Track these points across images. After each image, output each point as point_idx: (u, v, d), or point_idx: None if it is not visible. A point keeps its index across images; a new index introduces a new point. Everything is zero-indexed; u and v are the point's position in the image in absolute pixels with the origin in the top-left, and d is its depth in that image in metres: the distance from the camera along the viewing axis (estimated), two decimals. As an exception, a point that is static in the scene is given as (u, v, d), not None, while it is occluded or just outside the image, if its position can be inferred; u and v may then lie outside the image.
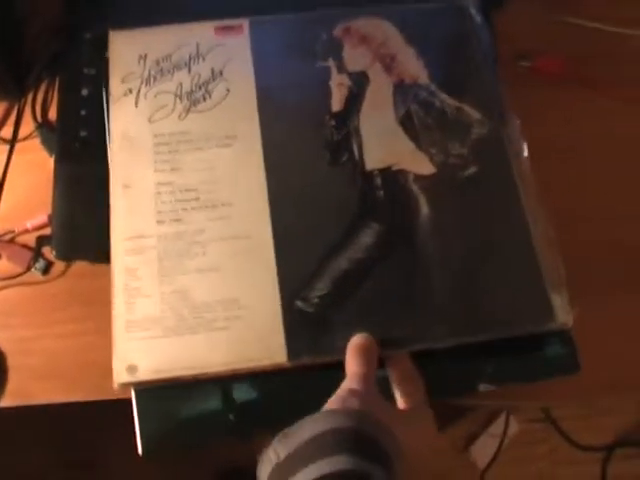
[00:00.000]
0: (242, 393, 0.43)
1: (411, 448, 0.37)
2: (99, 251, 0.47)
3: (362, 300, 0.44)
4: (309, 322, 0.43)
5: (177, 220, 0.46)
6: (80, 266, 0.49)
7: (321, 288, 0.44)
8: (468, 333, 0.43)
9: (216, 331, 0.42)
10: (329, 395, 0.39)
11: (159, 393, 0.42)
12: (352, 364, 0.41)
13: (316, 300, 0.43)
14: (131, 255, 0.44)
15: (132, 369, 0.41)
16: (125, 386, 0.42)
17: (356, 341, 0.42)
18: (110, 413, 0.46)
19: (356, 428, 0.35)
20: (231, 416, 0.42)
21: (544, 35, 0.56)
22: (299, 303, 0.43)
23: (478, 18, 0.51)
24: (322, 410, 0.37)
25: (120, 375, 0.41)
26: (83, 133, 0.52)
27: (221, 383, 0.43)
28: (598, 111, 0.54)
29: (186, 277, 0.44)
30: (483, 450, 1.07)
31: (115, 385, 0.41)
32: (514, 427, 1.08)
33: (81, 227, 0.49)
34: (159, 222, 0.46)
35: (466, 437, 1.09)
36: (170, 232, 0.45)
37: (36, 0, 0.57)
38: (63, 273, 0.50)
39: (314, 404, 0.38)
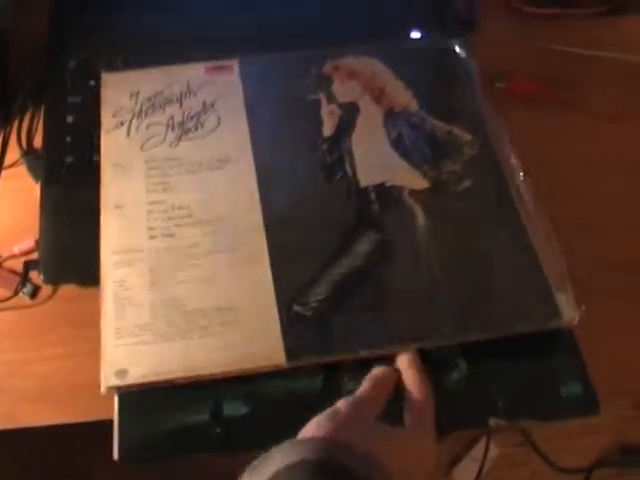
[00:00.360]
0: (232, 408, 0.41)
1: (403, 473, 0.36)
2: (86, 274, 0.46)
3: (361, 302, 0.43)
4: (307, 324, 0.42)
5: (170, 235, 0.45)
6: (68, 290, 0.48)
7: (319, 293, 0.43)
8: (471, 331, 0.42)
9: (210, 336, 0.41)
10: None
11: (143, 399, 0.41)
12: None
13: (314, 304, 0.43)
14: (121, 267, 0.44)
15: (121, 373, 0.40)
16: (113, 390, 0.40)
17: (372, 371, 0.41)
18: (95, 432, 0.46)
19: (325, 459, 0.33)
20: (218, 430, 0.40)
21: (517, 57, 0.58)
22: (297, 307, 0.42)
23: (463, 54, 0.54)
24: (293, 439, 0.35)
25: (109, 379, 0.40)
26: (69, 159, 0.52)
27: (212, 395, 0.41)
28: (570, 130, 0.56)
29: (178, 287, 0.43)
30: (465, 474, 1.07)
31: (102, 388, 0.40)
32: (494, 451, 1.08)
33: (68, 251, 0.48)
34: (151, 237, 0.45)
35: (449, 460, 1.09)
36: (162, 246, 0.45)
37: (20, 29, 0.58)
38: (51, 297, 0.49)
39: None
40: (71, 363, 0.46)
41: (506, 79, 0.57)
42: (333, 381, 0.41)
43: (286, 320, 0.42)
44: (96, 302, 0.44)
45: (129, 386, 0.40)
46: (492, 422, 0.42)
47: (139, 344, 0.41)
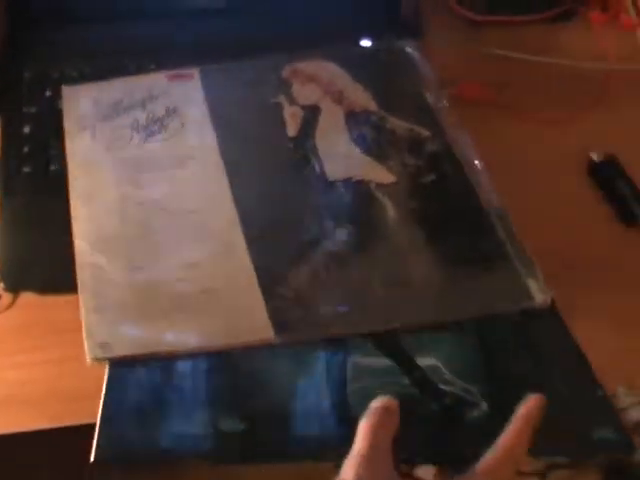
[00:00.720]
0: (228, 424, 0.40)
1: None
2: (46, 282, 0.46)
3: (339, 293, 0.43)
4: (292, 302, 0.42)
5: (143, 223, 0.46)
6: (29, 297, 0.47)
7: (299, 277, 0.43)
8: (447, 314, 0.43)
9: (194, 313, 0.42)
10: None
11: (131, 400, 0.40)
12: (355, 442, 0.36)
13: (296, 286, 0.43)
14: (97, 255, 0.44)
15: (105, 346, 0.40)
16: (99, 361, 0.40)
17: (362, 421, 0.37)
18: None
19: None
20: (211, 443, 0.39)
21: (464, 64, 0.60)
22: (279, 288, 0.43)
23: (416, 55, 0.56)
24: None
25: (93, 350, 0.40)
26: (26, 169, 0.52)
27: (209, 409, 0.40)
28: (517, 135, 0.58)
29: (158, 271, 0.43)
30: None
31: (88, 359, 0.40)
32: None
33: (28, 259, 0.48)
34: (124, 225, 0.46)
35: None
36: (137, 232, 0.45)
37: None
38: (10, 305, 0.48)
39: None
40: (31, 372, 0.45)
41: (454, 85, 0.58)
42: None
43: (270, 298, 0.42)
44: (57, 309, 0.44)
45: (114, 358, 0.40)
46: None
47: (121, 319, 0.41)
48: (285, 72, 0.55)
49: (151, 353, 0.40)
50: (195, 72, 0.55)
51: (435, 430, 0.41)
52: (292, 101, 0.53)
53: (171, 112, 0.52)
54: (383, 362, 0.42)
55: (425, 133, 0.52)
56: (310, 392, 0.41)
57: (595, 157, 0.60)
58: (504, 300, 0.44)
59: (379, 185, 0.49)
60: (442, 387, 0.42)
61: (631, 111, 0.61)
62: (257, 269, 0.44)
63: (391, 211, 0.48)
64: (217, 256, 0.44)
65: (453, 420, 0.41)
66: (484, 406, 0.42)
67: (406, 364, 0.43)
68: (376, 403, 0.38)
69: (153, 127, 0.51)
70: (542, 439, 0.38)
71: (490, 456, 0.36)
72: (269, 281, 0.43)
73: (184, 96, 0.53)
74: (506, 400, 0.40)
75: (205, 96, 0.53)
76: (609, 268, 0.56)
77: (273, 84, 0.54)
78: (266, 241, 0.45)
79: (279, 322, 0.41)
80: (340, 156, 0.50)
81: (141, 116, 0.52)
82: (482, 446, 0.37)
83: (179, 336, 0.41)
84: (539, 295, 0.44)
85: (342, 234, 0.46)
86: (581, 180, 0.59)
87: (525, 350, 0.45)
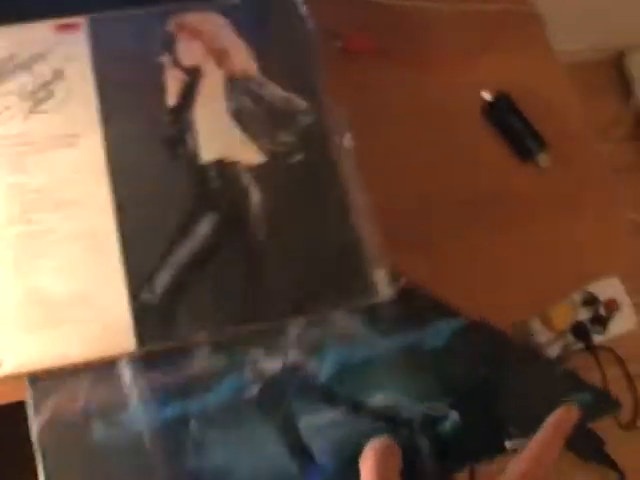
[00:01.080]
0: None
1: None
2: None
3: (204, 288, 0.47)
4: (156, 312, 0.46)
5: (28, 221, 0.48)
6: None
7: (164, 279, 0.47)
8: (298, 311, 0.47)
9: (70, 325, 0.45)
10: None
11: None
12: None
13: (160, 290, 0.46)
14: None
15: None
16: None
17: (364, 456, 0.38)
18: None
19: None
20: None
21: (348, 14, 0.59)
22: (144, 295, 0.46)
23: (302, 8, 0.54)
24: None
25: None
26: None
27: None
28: (404, 82, 0.59)
29: (39, 276, 0.46)
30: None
31: None
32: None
33: None
34: (10, 224, 0.48)
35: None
36: (22, 232, 0.48)
37: None
38: None
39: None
40: None
41: (341, 38, 0.58)
42: None
43: (136, 308, 0.46)
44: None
45: (7, 376, 0.44)
46: (509, 445, 0.45)
47: (9, 334, 0.45)
48: (171, 25, 0.54)
49: (41, 369, 0.44)
50: (82, 22, 0.54)
51: (419, 453, 0.44)
52: (175, 61, 0.53)
53: (58, 75, 0.53)
54: (330, 414, 0.46)
55: (301, 104, 0.53)
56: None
57: (487, 96, 0.61)
58: (350, 296, 0.48)
59: (249, 167, 0.51)
60: (407, 413, 0.46)
61: (518, 50, 0.61)
62: (126, 269, 0.47)
63: (255, 197, 0.50)
64: (91, 256, 0.47)
65: (431, 438, 0.45)
66: (454, 415, 0.45)
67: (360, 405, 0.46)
68: (374, 444, 0.39)
69: (40, 93, 0.52)
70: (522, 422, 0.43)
71: (519, 465, 0.37)
72: (136, 286, 0.47)
73: (71, 52, 0.53)
74: (472, 400, 0.44)
75: (91, 53, 0.53)
76: (511, 204, 0.60)
77: (159, 39, 0.54)
78: (137, 240, 0.48)
79: (142, 335, 0.46)
80: (217, 132, 0.51)
81: (28, 80, 0.52)
82: (467, 450, 0.43)
83: (61, 353, 0.45)
84: (383, 288, 0.48)
85: (206, 227, 0.49)
86: (475, 121, 0.61)
87: (472, 352, 0.48)
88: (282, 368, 0.47)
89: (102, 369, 0.46)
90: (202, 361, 0.47)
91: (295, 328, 0.48)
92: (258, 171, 0.51)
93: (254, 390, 0.46)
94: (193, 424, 0.45)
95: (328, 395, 0.46)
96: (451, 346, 0.48)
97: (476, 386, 0.47)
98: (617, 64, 1.40)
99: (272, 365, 0.47)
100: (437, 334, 0.49)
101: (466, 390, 0.47)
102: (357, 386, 0.47)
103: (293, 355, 0.47)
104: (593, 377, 1.11)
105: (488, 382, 0.46)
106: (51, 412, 0.45)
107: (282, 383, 0.46)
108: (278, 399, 0.46)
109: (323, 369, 0.47)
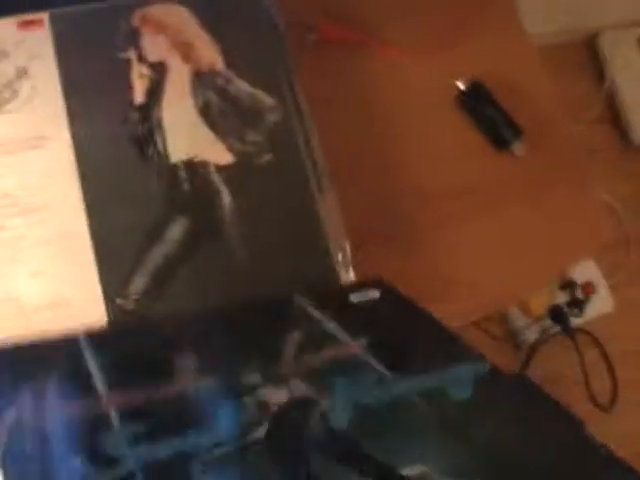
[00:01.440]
0: None
1: None
2: None
3: (178, 293, 0.47)
4: (132, 317, 0.46)
5: (1, 228, 0.48)
6: None
7: (138, 284, 0.47)
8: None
9: (46, 330, 0.45)
10: None
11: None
12: None
13: (135, 296, 0.47)
14: None
15: None
16: None
17: None
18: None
19: None
20: None
21: (321, 4, 0.59)
22: (119, 300, 0.47)
23: (269, 1, 0.53)
24: None
25: None
26: None
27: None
28: (378, 71, 0.59)
29: (14, 283, 0.47)
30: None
31: None
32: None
33: None
34: None
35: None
36: None
37: None
38: None
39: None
40: None
41: (314, 30, 0.57)
42: None
43: (112, 315, 0.46)
44: None
45: None
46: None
47: None
48: (135, 19, 0.53)
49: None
50: (44, 17, 0.53)
51: None
52: (141, 57, 0.53)
53: (22, 73, 0.52)
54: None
55: (269, 102, 0.52)
56: None
57: (461, 85, 0.61)
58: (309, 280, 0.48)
59: (218, 167, 0.50)
60: None
61: (491, 33, 0.61)
62: (101, 274, 0.47)
63: (226, 198, 0.50)
64: (65, 261, 0.47)
65: None
66: None
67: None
68: None
69: (5, 93, 0.52)
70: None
71: None
72: (112, 292, 0.47)
73: (35, 50, 0.53)
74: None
75: (56, 50, 0.53)
76: (486, 193, 0.61)
77: (123, 34, 0.53)
78: (111, 243, 0.48)
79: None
80: (184, 131, 0.51)
81: (-7, 79, 0.52)
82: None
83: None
84: (344, 274, 0.49)
85: (176, 231, 0.49)
86: (449, 111, 0.61)
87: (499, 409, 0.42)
88: (291, 404, 0.40)
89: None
90: (187, 381, 0.42)
91: (290, 347, 0.44)
92: (227, 172, 0.50)
93: (261, 431, 0.39)
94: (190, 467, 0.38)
95: (354, 453, 0.39)
96: (477, 400, 0.42)
97: (513, 464, 0.41)
98: (590, 45, 1.37)
99: (276, 396, 0.41)
100: (458, 382, 0.43)
101: (497, 463, 0.41)
102: (383, 443, 0.40)
103: (296, 385, 0.41)
104: (571, 360, 1.14)
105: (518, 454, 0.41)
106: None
107: (295, 424, 0.39)
108: (294, 446, 0.39)
109: (337, 409, 0.41)
